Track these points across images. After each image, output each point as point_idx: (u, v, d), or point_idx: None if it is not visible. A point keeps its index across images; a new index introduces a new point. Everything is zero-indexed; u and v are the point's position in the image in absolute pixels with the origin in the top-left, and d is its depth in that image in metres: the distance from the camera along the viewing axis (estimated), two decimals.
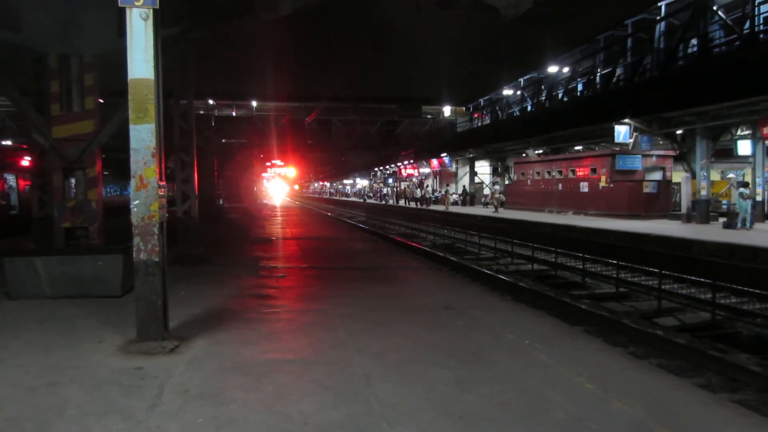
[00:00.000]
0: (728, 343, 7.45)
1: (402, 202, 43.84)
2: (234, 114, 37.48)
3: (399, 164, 48.82)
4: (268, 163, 53.90)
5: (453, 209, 32.15)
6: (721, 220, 17.92)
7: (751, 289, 8.86)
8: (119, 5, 4.91)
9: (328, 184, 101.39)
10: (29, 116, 8.70)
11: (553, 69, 29.48)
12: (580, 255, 12.23)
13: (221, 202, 28.32)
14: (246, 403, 3.90)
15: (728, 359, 6.28)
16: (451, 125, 41.79)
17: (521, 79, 33.75)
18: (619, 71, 22.76)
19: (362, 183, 75.01)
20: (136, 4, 4.91)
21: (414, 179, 48.57)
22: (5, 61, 9.84)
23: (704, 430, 3.69)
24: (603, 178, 22.64)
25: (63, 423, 3.59)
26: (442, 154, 38.92)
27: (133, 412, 3.73)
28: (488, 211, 28.11)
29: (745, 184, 16.91)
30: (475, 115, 40.08)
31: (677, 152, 19.60)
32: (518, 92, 34.44)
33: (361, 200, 58.49)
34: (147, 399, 3.95)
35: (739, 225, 15.87)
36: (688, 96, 15.94)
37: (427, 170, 46.37)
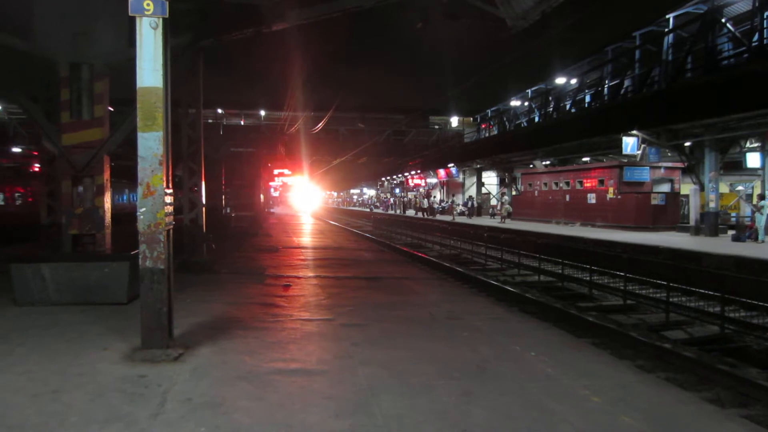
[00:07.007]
0: (737, 357, 7.36)
1: (410, 212, 43.82)
2: (242, 123, 37.68)
3: (406, 174, 48.87)
4: (276, 172, 54.06)
5: (460, 220, 32.07)
6: (730, 232, 17.77)
7: (761, 303, 8.77)
8: (129, 14, 4.96)
9: (335, 194, 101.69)
10: (40, 124, 8.78)
11: (560, 80, 29.52)
12: (588, 266, 12.16)
13: (228, 210, 28.35)
14: (249, 413, 3.88)
15: (738, 373, 6.19)
16: (459, 136, 41.88)
17: (529, 90, 33.80)
18: (627, 83, 22.71)
19: (369, 193, 75.15)
20: (147, 13, 4.96)
21: (421, 189, 48.59)
22: (17, 68, 9.94)
23: None
24: (610, 190, 22.54)
25: (65, 430, 3.59)
26: (450, 165, 38.94)
27: (135, 420, 3.72)
28: (495, 222, 28.03)
29: (762, 197, 16.63)
30: (483, 126, 40.09)
31: (686, 164, 19.49)
32: (526, 103, 34.47)
33: (368, 210, 58.61)
34: (150, 407, 3.94)
35: (761, 237, 15.62)
36: (696, 108, 15.87)
37: (434, 180, 46.39)
